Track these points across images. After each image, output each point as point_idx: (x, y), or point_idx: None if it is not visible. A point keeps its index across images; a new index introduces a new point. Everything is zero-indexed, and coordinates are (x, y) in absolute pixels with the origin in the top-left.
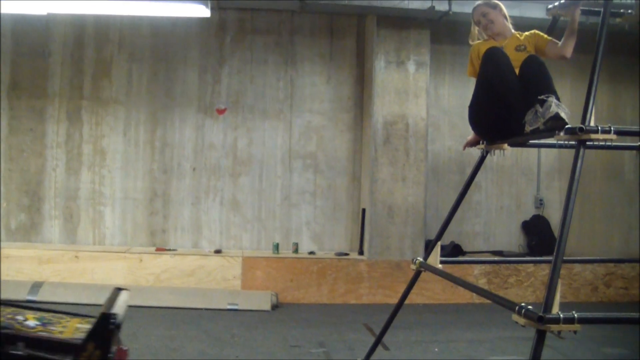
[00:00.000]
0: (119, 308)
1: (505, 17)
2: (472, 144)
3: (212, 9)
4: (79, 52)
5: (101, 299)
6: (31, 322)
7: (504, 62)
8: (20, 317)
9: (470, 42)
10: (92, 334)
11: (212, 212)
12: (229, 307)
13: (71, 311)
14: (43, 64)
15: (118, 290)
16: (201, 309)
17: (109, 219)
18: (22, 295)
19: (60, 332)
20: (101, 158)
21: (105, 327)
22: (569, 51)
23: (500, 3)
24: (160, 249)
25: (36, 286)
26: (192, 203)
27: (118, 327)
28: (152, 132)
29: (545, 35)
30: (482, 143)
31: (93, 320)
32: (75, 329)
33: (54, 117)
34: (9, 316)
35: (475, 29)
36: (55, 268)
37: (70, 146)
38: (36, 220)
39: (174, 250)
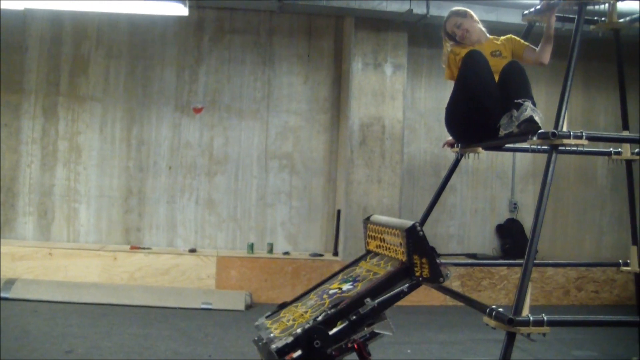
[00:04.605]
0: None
1: (477, 22)
2: (452, 144)
3: (190, 8)
4: (56, 48)
5: (75, 296)
6: (345, 287)
7: (483, 66)
8: (333, 291)
9: (444, 66)
10: (410, 249)
11: (187, 211)
12: (202, 306)
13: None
14: (19, 59)
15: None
16: (175, 307)
17: (84, 216)
18: None
19: (375, 274)
20: (77, 155)
21: (417, 236)
22: (546, 57)
23: (469, 10)
24: (135, 247)
25: (9, 283)
26: (168, 201)
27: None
28: (128, 129)
29: (522, 41)
30: (457, 146)
31: (372, 254)
32: (378, 267)
33: (29, 113)
34: (331, 292)
35: (446, 47)
36: (28, 265)
37: (45, 142)
38: (10, 216)
39: (148, 248)
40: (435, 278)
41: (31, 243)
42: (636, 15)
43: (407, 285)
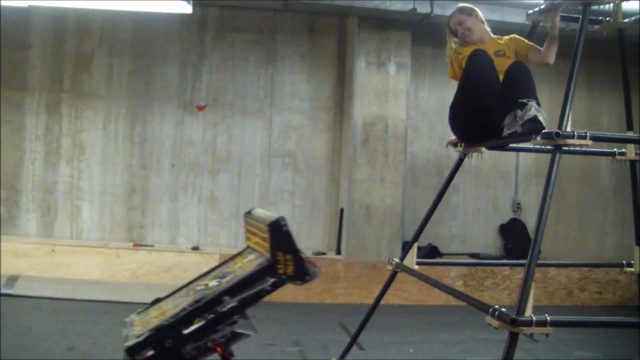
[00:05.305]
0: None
1: (483, 22)
2: (455, 143)
3: (193, 6)
4: (60, 45)
5: (77, 293)
6: (211, 283)
7: (487, 66)
8: (200, 287)
9: (447, 60)
10: (273, 245)
11: (190, 209)
12: None
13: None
14: (23, 56)
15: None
16: None
17: (87, 214)
18: None
19: (245, 271)
20: (80, 152)
21: (280, 231)
22: (551, 58)
23: (476, 8)
24: (138, 245)
25: (12, 280)
26: (170, 199)
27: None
28: (131, 127)
29: (526, 41)
30: (460, 145)
31: (249, 249)
32: (249, 263)
33: (33, 110)
34: (198, 289)
35: (450, 43)
36: (31, 262)
37: (49, 139)
38: (13, 213)
39: (151, 246)
40: (301, 276)
41: (34, 240)
42: None
43: (269, 283)
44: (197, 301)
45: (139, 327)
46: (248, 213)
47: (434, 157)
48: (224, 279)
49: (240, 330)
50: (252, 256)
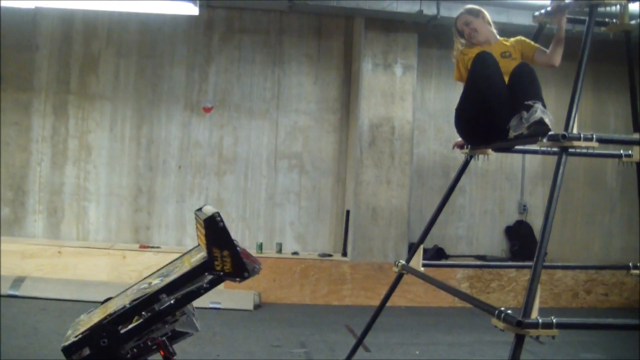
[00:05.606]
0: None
1: (489, 23)
2: (461, 145)
3: (200, 7)
4: (67, 46)
5: (83, 295)
6: (154, 281)
7: (493, 67)
8: (144, 285)
9: (453, 60)
10: (209, 241)
11: None
12: (211, 305)
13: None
14: (30, 58)
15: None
16: None
17: (93, 215)
18: (4, 289)
19: (185, 268)
20: (87, 153)
21: (215, 226)
22: (557, 59)
23: (483, 10)
24: (144, 246)
25: (18, 281)
26: (177, 200)
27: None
28: (138, 128)
29: (532, 43)
30: (467, 147)
31: (198, 247)
32: (191, 261)
33: (40, 111)
34: (142, 287)
35: (457, 44)
36: (37, 263)
37: (55, 141)
38: (20, 214)
39: (157, 247)
40: (239, 273)
41: (41, 241)
42: None
43: (207, 280)
44: (135, 299)
45: (83, 327)
46: (198, 210)
47: (440, 159)
48: (167, 276)
49: (181, 329)
50: (199, 255)
